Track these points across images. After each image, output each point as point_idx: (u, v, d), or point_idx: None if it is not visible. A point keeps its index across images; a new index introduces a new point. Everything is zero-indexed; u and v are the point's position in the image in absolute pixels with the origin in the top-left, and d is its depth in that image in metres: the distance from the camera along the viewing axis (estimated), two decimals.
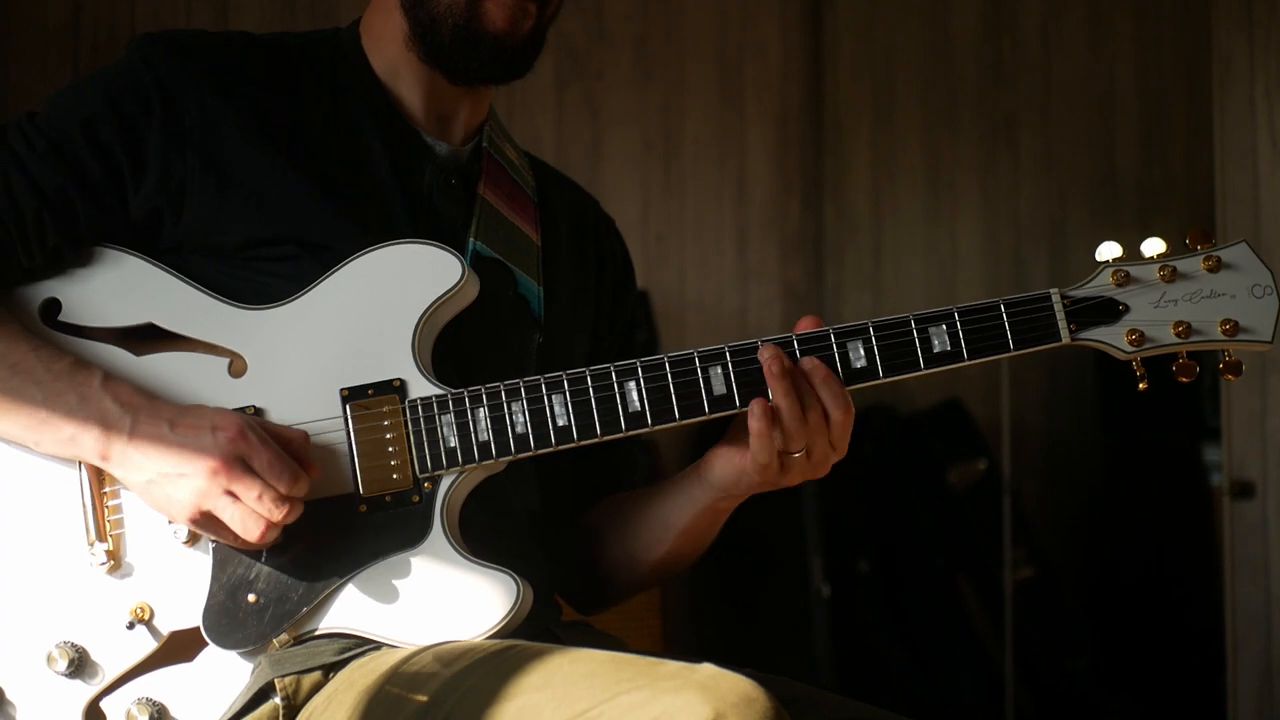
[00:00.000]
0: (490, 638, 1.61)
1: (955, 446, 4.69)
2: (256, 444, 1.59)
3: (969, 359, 1.66)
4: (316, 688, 1.63)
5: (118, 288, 1.72)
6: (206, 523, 1.61)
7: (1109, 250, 1.67)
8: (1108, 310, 1.65)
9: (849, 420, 1.68)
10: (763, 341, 1.66)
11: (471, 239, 1.81)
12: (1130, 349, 1.65)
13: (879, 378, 1.68)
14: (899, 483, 4.65)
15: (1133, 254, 1.67)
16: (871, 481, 4.64)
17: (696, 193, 4.78)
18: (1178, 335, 1.65)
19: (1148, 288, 1.65)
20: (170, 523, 1.67)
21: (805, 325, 1.68)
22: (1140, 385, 1.66)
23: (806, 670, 4.24)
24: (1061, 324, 1.65)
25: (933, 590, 4.57)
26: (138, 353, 1.71)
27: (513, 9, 1.76)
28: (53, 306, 1.73)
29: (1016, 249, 5.06)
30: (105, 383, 1.65)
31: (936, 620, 4.55)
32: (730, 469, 1.72)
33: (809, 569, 4.36)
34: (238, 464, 1.58)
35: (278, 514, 1.58)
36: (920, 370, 1.67)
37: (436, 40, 1.78)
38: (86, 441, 1.63)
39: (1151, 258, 1.66)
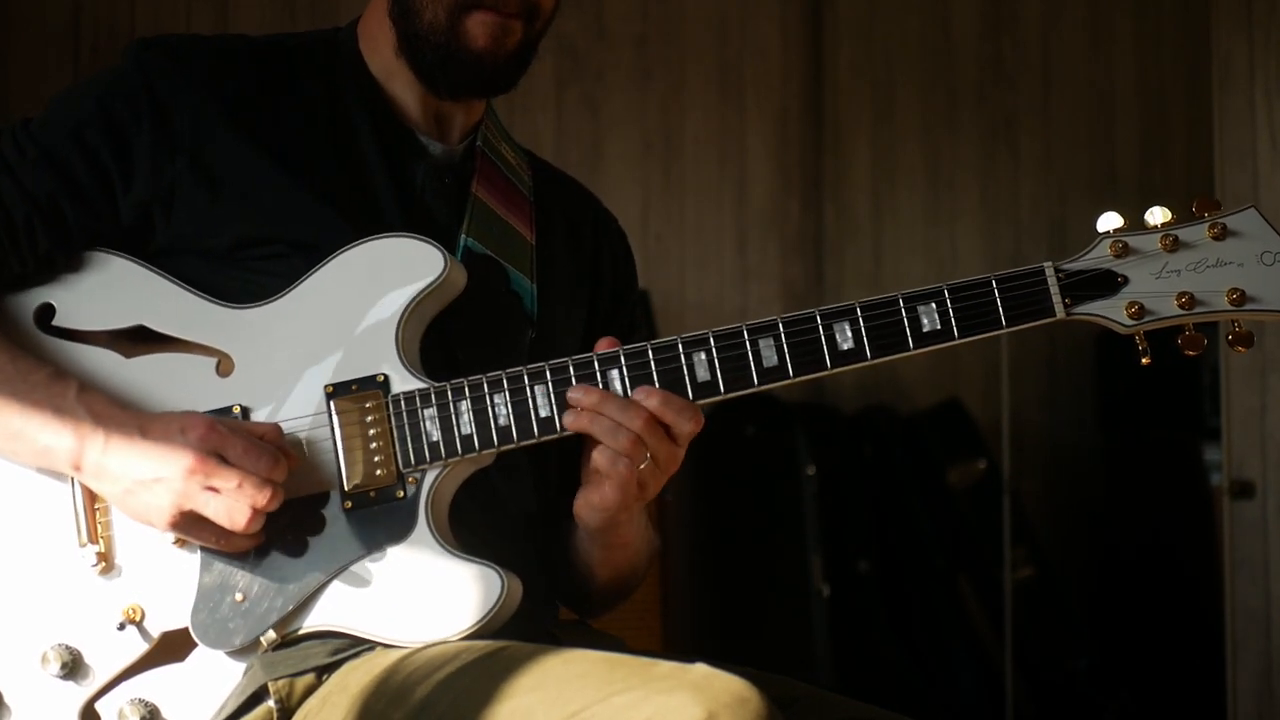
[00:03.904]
0: (477, 631, 1.60)
1: (955, 446, 4.69)
2: (227, 434, 1.59)
3: (960, 337, 1.60)
4: (310, 690, 1.62)
5: (109, 291, 1.73)
6: (187, 525, 1.61)
7: (1109, 221, 1.60)
8: (1105, 283, 1.59)
9: (697, 429, 1.63)
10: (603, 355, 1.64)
11: (463, 235, 1.81)
12: (1131, 322, 1.58)
13: (867, 359, 1.62)
14: (899, 483, 4.65)
15: (1135, 224, 1.60)
16: (871, 481, 4.64)
17: (696, 193, 4.78)
18: (1181, 307, 1.57)
19: (1148, 258, 1.58)
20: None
21: (603, 347, 1.66)
22: (1143, 360, 1.59)
23: (806, 670, 4.24)
24: (1055, 298, 1.59)
25: (933, 590, 4.57)
26: (128, 354, 1.71)
27: (494, 27, 1.76)
28: (47, 311, 1.73)
29: (1016, 249, 5.06)
30: (80, 394, 1.65)
31: (936, 620, 4.55)
32: (597, 517, 1.69)
33: (809, 569, 4.37)
34: (212, 458, 1.59)
35: (261, 498, 1.58)
36: (910, 350, 1.61)
37: (420, 55, 1.79)
38: (60, 454, 1.64)
39: (1154, 227, 1.59)
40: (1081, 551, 5.02)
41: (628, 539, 1.78)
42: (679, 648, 4.05)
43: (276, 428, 1.64)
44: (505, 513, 1.81)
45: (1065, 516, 5.04)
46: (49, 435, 1.64)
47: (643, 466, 1.63)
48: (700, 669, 1.39)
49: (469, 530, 1.70)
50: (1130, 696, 4.59)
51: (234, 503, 1.59)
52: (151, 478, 1.60)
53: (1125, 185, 5.13)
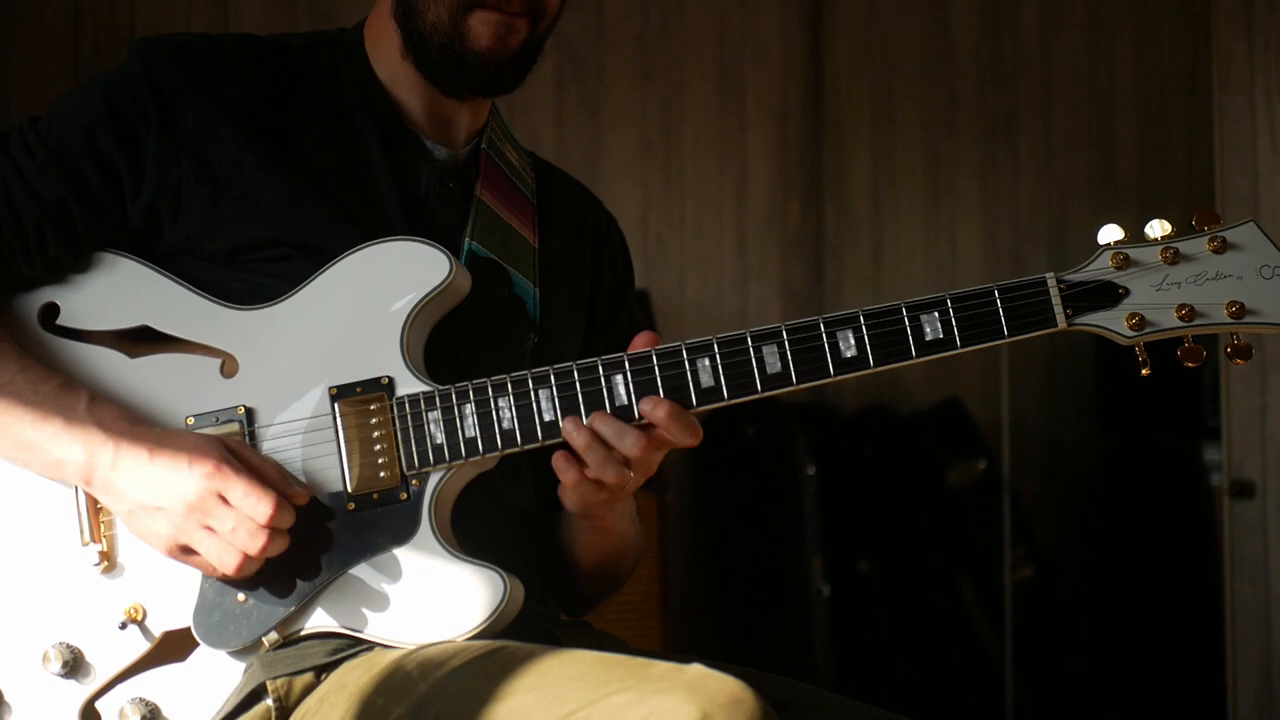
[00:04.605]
0: (479, 634, 1.61)
1: (955, 446, 4.69)
2: (231, 474, 1.59)
3: (962, 346, 1.62)
4: (309, 689, 1.63)
5: (113, 291, 1.73)
6: (184, 554, 1.62)
7: (1110, 233, 1.62)
8: (1106, 294, 1.60)
9: (695, 444, 1.65)
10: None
11: (467, 239, 1.81)
12: (1131, 333, 1.60)
13: (869, 367, 1.63)
14: (899, 483, 4.65)
15: (1135, 236, 1.62)
16: (871, 481, 4.64)
17: (696, 193, 4.78)
18: (1181, 319, 1.59)
19: (1148, 270, 1.60)
20: None
21: (640, 343, 1.66)
22: (1143, 371, 1.61)
23: (806, 670, 4.24)
24: (1057, 309, 1.60)
25: (933, 590, 4.57)
26: (133, 354, 1.72)
27: (497, 25, 1.76)
28: (51, 311, 1.74)
29: (1016, 249, 5.06)
30: (90, 407, 1.65)
31: (936, 620, 4.55)
32: (571, 500, 1.72)
33: (809, 569, 4.37)
34: (213, 498, 1.59)
35: (254, 546, 1.58)
36: (912, 359, 1.62)
37: (425, 55, 1.79)
38: (71, 469, 1.64)
39: (1155, 239, 1.61)
40: (1081, 552, 5.02)
41: (610, 524, 1.81)
42: (679, 648, 4.05)
43: (277, 466, 1.64)
44: (507, 516, 1.81)
45: (1065, 517, 5.04)
46: (59, 449, 1.64)
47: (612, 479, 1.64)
48: (696, 669, 1.39)
49: (470, 532, 1.70)
50: (1130, 696, 4.59)
51: (226, 547, 1.59)
52: (153, 505, 1.61)
53: (1125, 186, 5.13)
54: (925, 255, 5.07)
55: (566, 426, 1.63)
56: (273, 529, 1.59)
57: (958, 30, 5.13)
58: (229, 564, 1.59)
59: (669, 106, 4.76)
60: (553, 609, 1.87)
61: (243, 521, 1.58)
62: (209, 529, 1.59)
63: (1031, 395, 4.99)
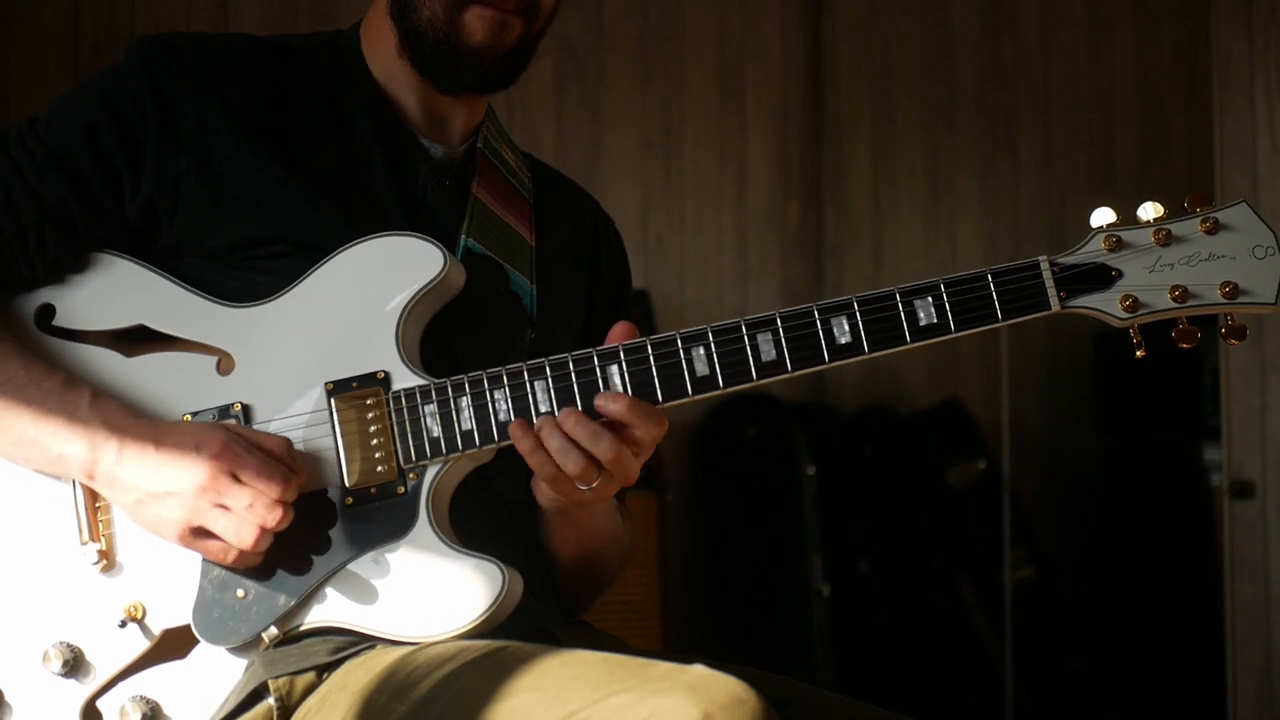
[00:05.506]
0: (479, 625, 1.61)
1: (955, 446, 4.69)
2: (241, 454, 1.60)
3: (956, 330, 1.61)
4: (310, 689, 1.63)
5: (109, 291, 1.73)
6: (196, 539, 1.62)
7: (1103, 216, 1.61)
8: (1099, 276, 1.60)
9: (661, 433, 1.64)
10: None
11: (463, 236, 1.82)
12: (1125, 315, 1.59)
13: (864, 353, 1.62)
14: (899, 483, 4.65)
15: (1128, 219, 1.62)
16: (871, 481, 4.64)
17: (696, 192, 4.78)
18: (1174, 300, 1.59)
19: (1141, 252, 1.60)
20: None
21: (618, 333, 1.66)
22: (1138, 353, 1.61)
23: (806, 670, 4.24)
24: (1051, 292, 1.60)
25: (933, 590, 4.57)
26: (129, 354, 1.72)
27: (492, 22, 1.77)
28: (47, 312, 1.74)
29: (1016, 249, 5.06)
30: (93, 403, 1.66)
31: (936, 620, 4.55)
32: (544, 498, 1.72)
33: (809, 569, 4.37)
34: (225, 477, 1.59)
35: (271, 519, 1.59)
36: (907, 344, 1.62)
37: (420, 51, 1.80)
38: (73, 463, 1.65)
39: (1147, 222, 1.61)
40: (1081, 552, 5.03)
41: (582, 520, 1.81)
42: (679, 648, 4.05)
43: (286, 442, 1.65)
44: (505, 510, 1.82)
45: (1065, 517, 5.04)
46: (61, 444, 1.64)
47: (595, 484, 1.63)
48: (697, 670, 1.39)
49: (469, 527, 1.70)
50: (1130, 697, 4.59)
51: (243, 522, 1.60)
52: (163, 491, 1.61)
53: (1125, 185, 5.14)
54: (925, 255, 5.07)
55: (514, 431, 1.62)
56: (284, 502, 1.60)
57: (958, 30, 5.13)
58: (247, 539, 1.60)
59: (669, 106, 4.76)
60: (552, 606, 1.87)
61: (258, 496, 1.59)
62: (223, 507, 1.60)
63: (1031, 395, 4.99)
